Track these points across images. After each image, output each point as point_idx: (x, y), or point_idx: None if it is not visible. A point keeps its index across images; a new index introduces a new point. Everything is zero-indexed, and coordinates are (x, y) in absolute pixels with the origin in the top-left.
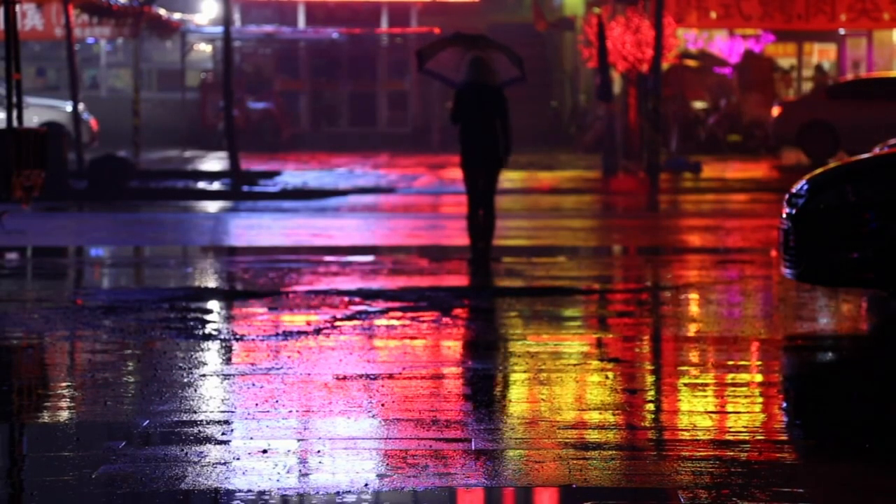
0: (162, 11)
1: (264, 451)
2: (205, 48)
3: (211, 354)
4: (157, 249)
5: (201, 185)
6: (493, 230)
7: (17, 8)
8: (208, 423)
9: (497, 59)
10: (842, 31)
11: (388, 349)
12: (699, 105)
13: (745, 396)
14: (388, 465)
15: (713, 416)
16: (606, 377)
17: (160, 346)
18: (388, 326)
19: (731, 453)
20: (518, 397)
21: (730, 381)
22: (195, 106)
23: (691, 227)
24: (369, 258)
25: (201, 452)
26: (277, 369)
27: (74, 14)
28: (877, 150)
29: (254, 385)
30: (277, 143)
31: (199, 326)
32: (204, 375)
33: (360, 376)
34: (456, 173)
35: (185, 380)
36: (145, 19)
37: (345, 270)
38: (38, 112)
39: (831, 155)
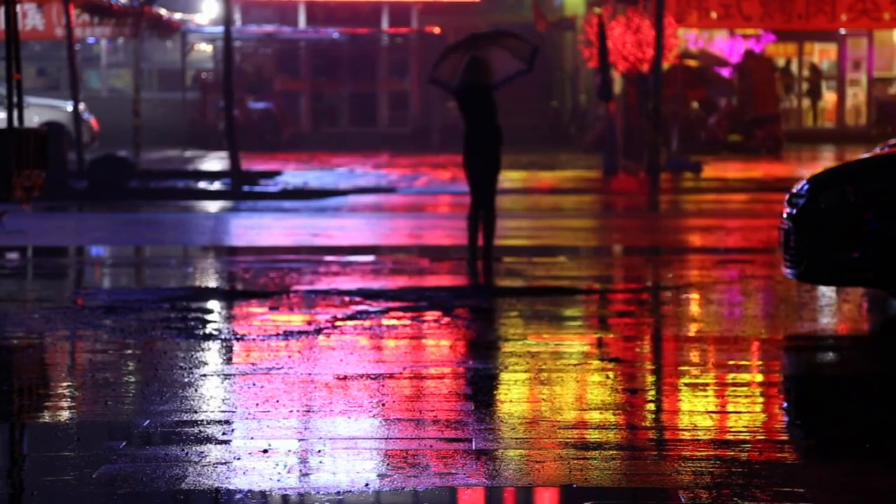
0: (162, 11)
1: (265, 451)
2: (205, 48)
3: (211, 354)
4: (157, 249)
5: (202, 184)
6: (494, 230)
7: (18, 8)
8: (209, 422)
9: (502, 57)
10: (842, 31)
11: (389, 349)
12: (699, 105)
13: (746, 396)
14: (388, 464)
15: (713, 415)
16: (607, 377)
17: (161, 345)
18: (388, 326)
19: (732, 453)
20: (519, 397)
21: (730, 381)
22: (195, 106)
23: (692, 227)
24: (370, 258)
25: (202, 452)
26: (278, 369)
27: (75, 14)
28: (877, 150)
29: (254, 385)
30: (278, 142)
31: (200, 326)
32: (204, 375)
33: (361, 376)
34: (456, 173)
35: (186, 379)
36: (146, 19)
37: (345, 270)
38: (39, 112)
39: None
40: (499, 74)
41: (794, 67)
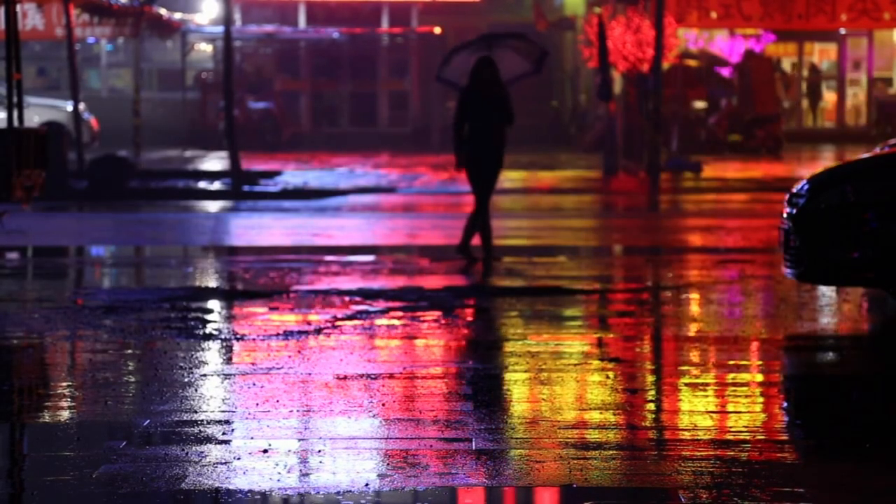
0: (162, 11)
1: (265, 451)
2: (205, 48)
3: (211, 354)
4: (157, 249)
5: (202, 184)
6: (489, 231)
7: (18, 8)
8: (209, 422)
9: (508, 57)
10: (842, 31)
11: (389, 349)
12: (699, 105)
13: (746, 396)
14: (388, 464)
15: (713, 415)
16: (607, 377)
17: (161, 345)
18: (388, 326)
19: (732, 453)
20: (519, 397)
21: (730, 381)
22: (195, 106)
23: (692, 227)
24: (370, 258)
25: (202, 452)
26: (278, 369)
27: (75, 14)
28: (877, 150)
29: (254, 385)
30: (278, 142)
31: (200, 326)
32: (204, 375)
33: (361, 376)
34: (455, 173)
35: (186, 379)
36: (146, 19)
37: (345, 270)
38: (39, 112)
39: None
40: (505, 75)
41: (786, 67)
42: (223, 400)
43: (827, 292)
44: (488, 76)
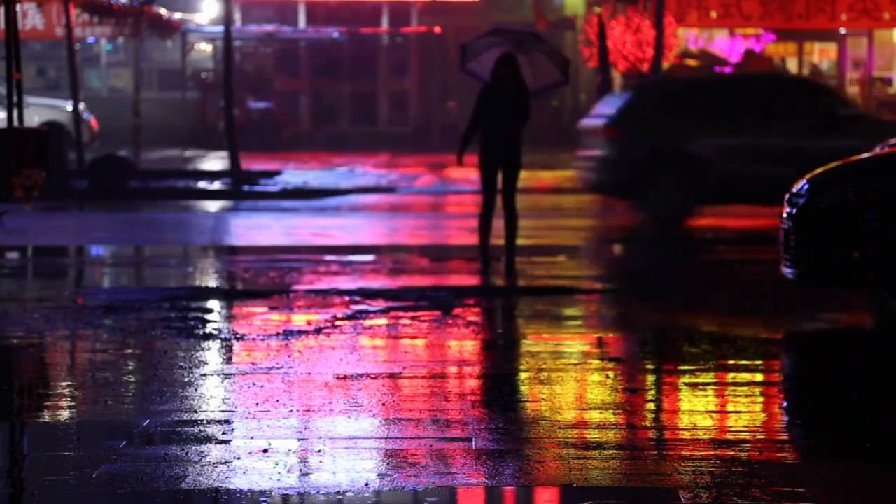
0: (162, 11)
1: (265, 451)
2: (205, 48)
3: (211, 354)
4: (157, 249)
5: (202, 184)
6: (516, 230)
7: (18, 7)
8: (209, 422)
9: (537, 60)
10: (842, 31)
11: (389, 349)
12: None
13: (746, 396)
14: (388, 464)
15: (713, 415)
16: (607, 377)
17: (161, 345)
18: (388, 326)
19: (732, 453)
20: (519, 397)
21: (730, 381)
22: (196, 105)
23: (691, 226)
24: (370, 257)
25: (202, 452)
26: (278, 369)
27: (75, 13)
28: (877, 150)
29: (254, 384)
30: (278, 142)
31: (200, 326)
32: (204, 375)
33: (361, 376)
34: (456, 173)
35: (186, 379)
36: (146, 19)
37: (345, 270)
38: (39, 112)
39: None
40: (538, 82)
41: (791, 67)
42: (223, 400)
43: (827, 292)
44: (503, 74)
